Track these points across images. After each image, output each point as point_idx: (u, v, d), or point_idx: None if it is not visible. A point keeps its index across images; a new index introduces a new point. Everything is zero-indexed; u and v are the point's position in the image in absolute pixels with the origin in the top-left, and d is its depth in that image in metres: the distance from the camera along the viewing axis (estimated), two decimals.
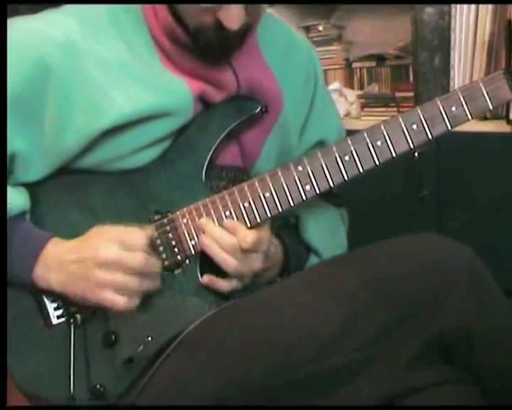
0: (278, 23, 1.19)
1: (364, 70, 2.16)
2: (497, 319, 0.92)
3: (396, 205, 1.79)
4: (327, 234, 1.19)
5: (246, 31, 0.98)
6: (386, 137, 1.00)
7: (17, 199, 0.98)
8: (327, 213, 1.20)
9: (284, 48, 1.15)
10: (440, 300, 0.90)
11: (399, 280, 0.91)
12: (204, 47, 0.98)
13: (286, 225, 1.19)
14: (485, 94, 0.99)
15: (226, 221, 1.01)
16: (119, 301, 0.93)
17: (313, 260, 1.18)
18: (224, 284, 1.01)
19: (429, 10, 1.75)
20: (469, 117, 1.00)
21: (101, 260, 0.93)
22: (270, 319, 0.92)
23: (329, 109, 1.24)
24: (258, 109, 1.06)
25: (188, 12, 0.96)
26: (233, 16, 0.94)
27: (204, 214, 1.01)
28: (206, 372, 0.90)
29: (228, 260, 1.00)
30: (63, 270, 0.94)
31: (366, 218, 1.71)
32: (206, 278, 1.01)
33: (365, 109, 2.07)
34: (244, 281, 1.03)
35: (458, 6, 1.71)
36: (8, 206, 0.96)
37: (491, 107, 0.99)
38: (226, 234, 1.00)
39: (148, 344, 0.97)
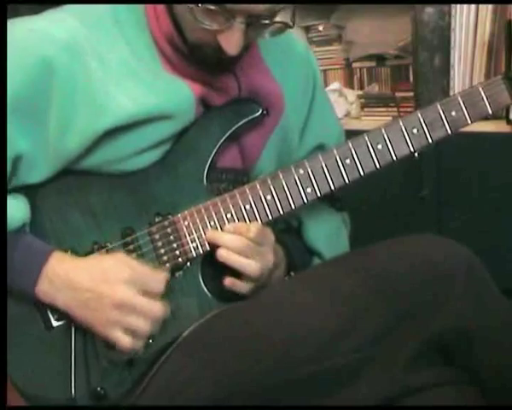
0: None
1: (364, 70, 2.15)
2: (496, 319, 0.92)
3: (396, 205, 1.78)
4: (330, 237, 1.19)
5: (243, 52, 0.98)
6: (387, 140, 1.01)
7: (18, 211, 0.97)
8: (329, 216, 1.20)
9: (283, 51, 1.15)
10: (439, 300, 0.90)
11: (398, 280, 0.92)
12: (201, 60, 0.99)
13: (288, 229, 1.19)
14: (485, 99, 1.01)
15: (227, 226, 1.01)
16: (126, 341, 0.93)
17: (316, 262, 1.18)
18: (243, 286, 1.02)
19: (429, 10, 1.75)
20: (469, 121, 1.02)
21: (118, 302, 0.92)
22: (269, 318, 0.93)
23: (329, 112, 1.24)
24: (260, 112, 1.06)
25: (187, 26, 0.96)
26: (233, 43, 0.93)
27: (205, 217, 1.02)
28: (206, 372, 0.91)
29: (249, 264, 1.00)
30: (72, 295, 0.94)
31: (366, 218, 1.71)
32: (228, 281, 1.01)
33: (365, 109, 2.07)
34: (261, 280, 1.03)
35: (458, 6, 1.71)
36: (8, 219, 0.94)
37: (490, 111, 1.01)
38: (234, 236, 1.00)
39: (148, 346, 0.97)
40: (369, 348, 0.89)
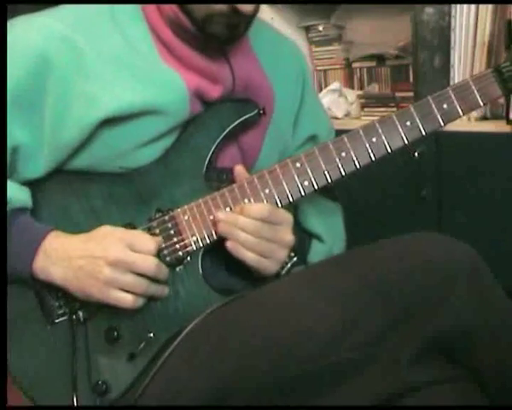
0: (266, 26, 1.22)
1: (364, 70, 2.15)
2: (498, 318, 0.92)
3: (396, 205, 1.79)
4: (327, 220, 1.20)
5: (252, 18, 0.99)
6: (381, 133, 1.03)
7: (20, 193, 0.99)
8: (325, 201, 1.22)
9: (273, 50, 1.17)
10: (441, 298, 0.90)
11: (400, 279, 0.91)
12: (210, 35, 1.00)
13: None
14: (476, 91, 1.03)
15: (246, 206, 1.01)
16: (127, 299, 0.94)
17: (316, 246, 1.19)
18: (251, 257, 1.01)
19: (429, 10, 1.75)
20: (461, 113, 1.03)
21: (111, 260, 0.93)
22: (269, 317, 0.93)
23: (318, 106, 1.28)
24: (256, 111, 1.07)
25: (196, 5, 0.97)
26: None
27: (205, 211, 1.02)
28: (206, 370, 0.91)
29: (263, 262, 1.02)
30: (67, 265, 0.95)
31: (366, 218, 1.72)
32: (231, 245, 1.01)
33: (365, 109, 2.07)
34: (280, 259, 1.04)
35: (458, 6, 1.71)
36: (10, 199, 0.96)
37: (481, 103, 1.03)
38: (247, 219, 1.00)
39: (149, 341, 0.98)
40: (370, 348, 0.89)
